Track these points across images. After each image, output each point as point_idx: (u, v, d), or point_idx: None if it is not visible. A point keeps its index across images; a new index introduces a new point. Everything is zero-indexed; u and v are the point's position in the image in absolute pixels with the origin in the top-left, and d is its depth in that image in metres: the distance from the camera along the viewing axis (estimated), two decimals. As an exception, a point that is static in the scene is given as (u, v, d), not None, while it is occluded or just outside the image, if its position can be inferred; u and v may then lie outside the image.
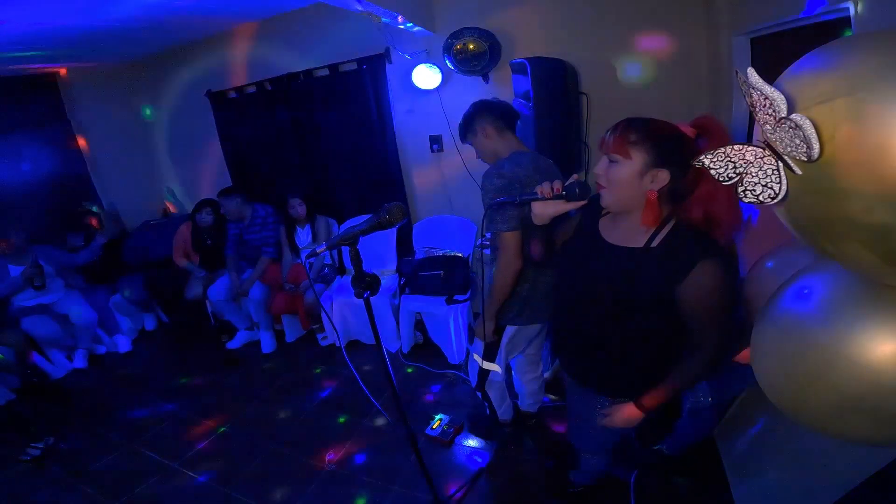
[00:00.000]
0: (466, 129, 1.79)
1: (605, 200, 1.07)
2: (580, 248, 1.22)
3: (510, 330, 1.83)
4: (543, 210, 1.17)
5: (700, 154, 0.64)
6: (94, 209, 3.94)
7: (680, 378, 1.14)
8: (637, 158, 0.99)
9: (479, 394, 2.08)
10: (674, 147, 0.99)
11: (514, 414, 2.25)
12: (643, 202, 1.03)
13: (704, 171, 0.64)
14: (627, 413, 1.21)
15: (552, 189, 1.11)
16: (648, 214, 1.03)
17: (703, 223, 1.01)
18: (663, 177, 1.00)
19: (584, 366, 1.32)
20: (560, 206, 1.14)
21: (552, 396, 2.45)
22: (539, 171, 1.65)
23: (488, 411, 2.19)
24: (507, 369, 2.30)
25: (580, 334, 1.26)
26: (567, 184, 1.12)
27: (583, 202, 1.11)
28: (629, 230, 1.10)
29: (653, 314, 1.09)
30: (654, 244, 1.06)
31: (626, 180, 1.01)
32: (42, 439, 2.50)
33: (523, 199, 1.16)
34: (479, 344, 1.88)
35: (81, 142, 4.18)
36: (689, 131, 1.01)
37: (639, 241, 1.08)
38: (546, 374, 2.46)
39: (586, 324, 1.22)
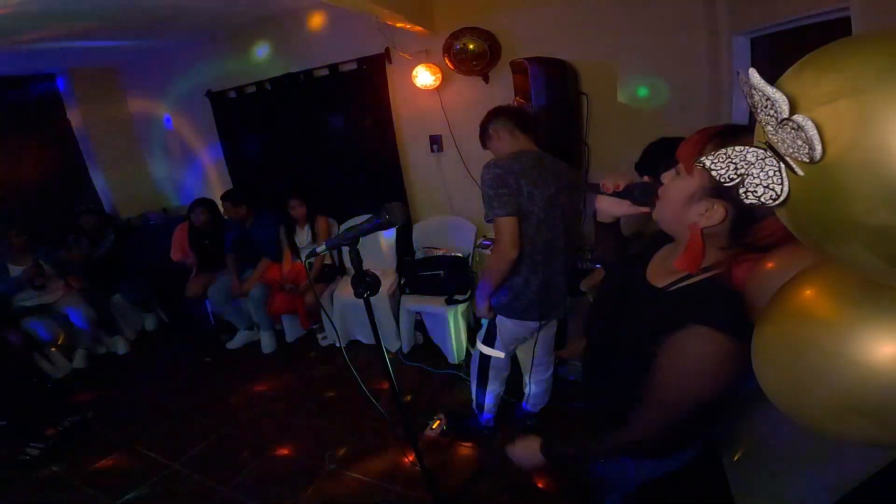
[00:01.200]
0: (483, 135, 1.85)
1: (655, 214, 0.88)
2: (618, 279, 1.06)
3: (501, 319, 1.86)
4: (607, 207, 1.03)
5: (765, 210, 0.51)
6: (93, 207, 3.95)
7: (598, 444, 1.00)
8: (698, 177, 0.75)
9: (473, 386, 2.12)
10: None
11: (495, 415, 2.26)
12: (685, 237, 0.81)
13: (779, 236, 0.57)
14: (531, 449, 1.07)
15: (613, 185, 0.96)
16: (686, 254, 0.79)
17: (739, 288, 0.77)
18: (717, 214, 0.75)
19: (594, 400, 1.14)
20: (625, 208, 0.98)
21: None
22: (541, 167, 1.68)
23: (475, 406, 2.23)
24: (516, 368, 2.32)
25: (592, 369, 1.11)
26: (633, 183, 0.95)
27: (646, 209, 0.92)
28: (668, 267, 0.90)
29: (639, 364, 0.87)
30: (672, 288, 0.85)
31: (676, 201, 0.80)
32: (43, 439, 2.49)
33: (587, 185, 1.11)
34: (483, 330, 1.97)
35: (81, 142, 4.18)
36: None
37: (662, 282, 0.89)
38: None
39: (597, 361, 1.07)
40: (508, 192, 1.61)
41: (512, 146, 1.76)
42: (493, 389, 2.12)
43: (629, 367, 0.91)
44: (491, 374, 2.06)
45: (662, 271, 0.92)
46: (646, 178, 1.01)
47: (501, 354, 1.95)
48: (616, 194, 0.96)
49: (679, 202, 0.79)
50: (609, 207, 1.02)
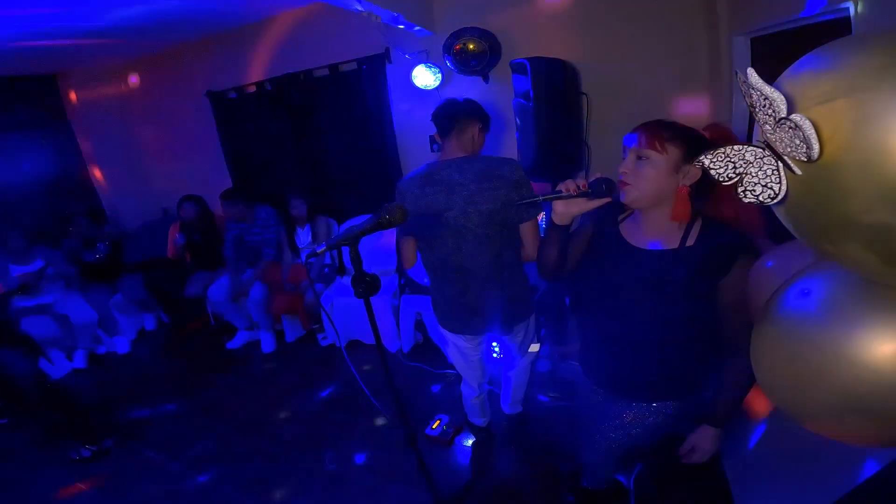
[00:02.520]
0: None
1: (630, 196, 1.06)
2: (606, 256, 1.19)
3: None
4: (567, 208, 1.12)
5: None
6: (94, 207, 3.95)
7: (738, 385, 1.13)
8: (672, 153, 1.01)
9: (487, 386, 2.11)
10: (704, 144, 1.01)
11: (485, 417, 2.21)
12: (671, 198, 1.04)
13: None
14: (711, 436, 1.20)
15: (577, 186, 1.08)
16: (680, 209, 1.03)
17: (733, 222, 1.03)
18: (695, 173, 1.01)
19: (617, 373, 1.29)
20: (583, 205, 1.10)
21: (552, 395, 2.46)
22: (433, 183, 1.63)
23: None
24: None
25: (613, 342, 1.24)
26: (591, 180, 1.08)
27: (607, 199, 1.08)
28: (657, 230, 1.10)
29: (690, 314, 1.09)
30: (690, 242, 1.06)
31: (659, 176, 1.02)
32: (97, 442, 2.45)
33: (546, 197, 1.11)
34: None
35: (81, 142, 4.18)
36: (707, 136, 1.04)
37: (672, 242, 1.08)
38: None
39: (620, 331, 1.20)
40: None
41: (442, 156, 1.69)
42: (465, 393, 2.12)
43: (681, 323, 1.10)
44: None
45: (651, 238, 1.11)
46: (598, 175, 1.09)
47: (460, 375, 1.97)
48: (581, 194, 1.07)
49: (662, 176, 1.02)
50: (568, 208, 1.12)
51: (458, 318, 1.74)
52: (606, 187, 1.07)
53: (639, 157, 1.04)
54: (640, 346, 1.18)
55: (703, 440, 1.21)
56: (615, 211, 1.20)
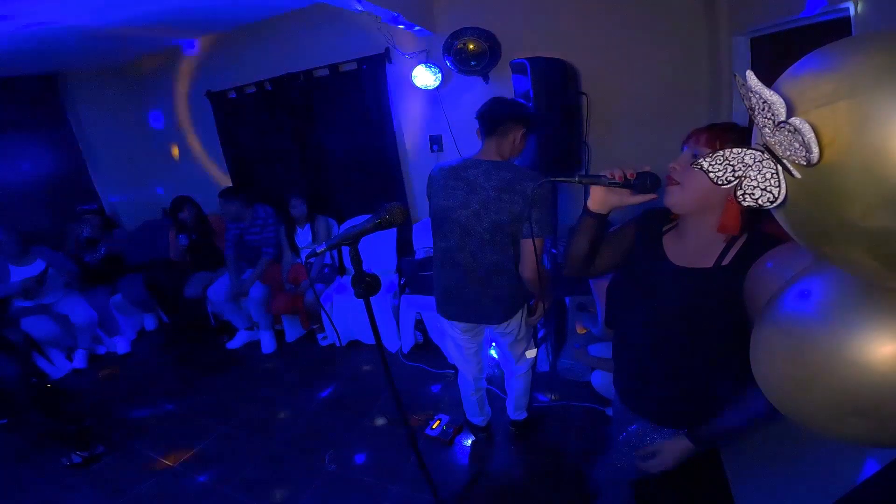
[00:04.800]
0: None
1: (673, 198, 0.97)
2: (643, 270, 1.09)
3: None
4: (606, 196, 1.02)
5: None
6: (95, 207, 3.94)
7: (743, 414, 1.01)
8: None
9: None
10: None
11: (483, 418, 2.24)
12: (719, 208, 0.93)
13: None
14: (681, 449, 1.08)
15: (624, 174, 0.98)
16: (729, 220, 0.91)
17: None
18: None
19: (648, 396, 1.19)
20: (625, 197, 1.01)
21: (553, 396, 2.46)
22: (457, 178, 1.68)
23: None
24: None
25: (645, 365, 1.14)
26: (640, 171, 0.98)
27: (652, 196, 0.99)
28: (698, 242, 0.99)
29: (727, 340, 0.98)
30: (726, 262, 0.94)
31: (708, 183, 0.93)
32: (88, 447, 2.43)
33: (586, 177, 1.00)
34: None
35: (81, 142, 4.17)
36: None
37: (708, 261, 0.97)
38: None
39: (654, 354, 1.10)
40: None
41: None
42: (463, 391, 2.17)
43: (726, 344, 0.98)
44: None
45: (692, 255, 0.99)
46: (647, 168, 0.99)
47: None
48: (624, 184, 0.97)
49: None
50: (608, 196, 1.03)
51: (451, 305, 1.85)
52: (651, 182, 0.97)
53: (694, 156, 0.93)
54: (672, 371, 1.09)
55: (671, 451, 1.10)
56: (662, 219, 1.10)
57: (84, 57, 3.67)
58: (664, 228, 1.09)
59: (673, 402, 1.13)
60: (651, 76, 2.57)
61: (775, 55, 2.05)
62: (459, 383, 2.16)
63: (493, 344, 2.30)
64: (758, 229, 0.93)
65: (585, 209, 1.07)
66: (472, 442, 2.25)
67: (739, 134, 0.91)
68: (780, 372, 0.78)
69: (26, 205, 3.83)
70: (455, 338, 1.96)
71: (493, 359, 2.57)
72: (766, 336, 0.82)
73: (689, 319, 0.99)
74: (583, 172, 1.25)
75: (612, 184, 0.98)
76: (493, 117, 1.65)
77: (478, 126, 1.69)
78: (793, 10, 1.68)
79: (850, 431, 0.70)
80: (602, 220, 1.07)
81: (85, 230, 3.61)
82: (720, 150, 0.85)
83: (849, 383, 0.63)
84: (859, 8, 1.32)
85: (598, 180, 0.99)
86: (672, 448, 1.10)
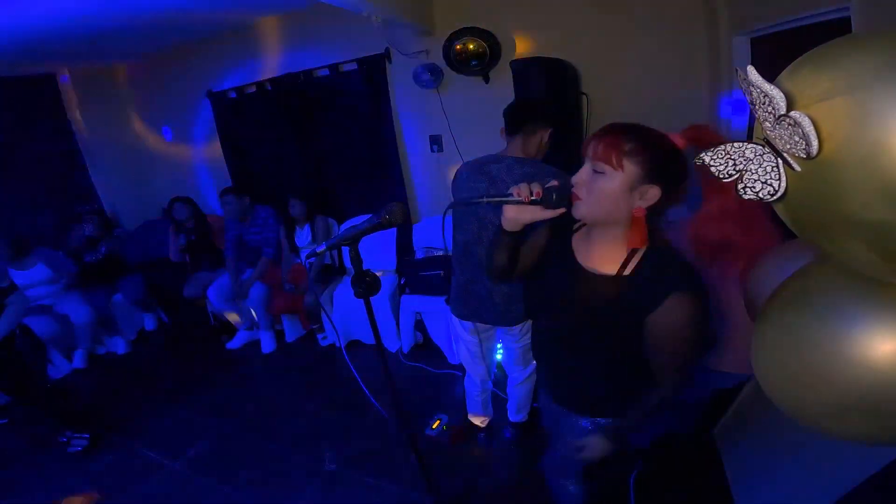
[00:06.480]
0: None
1: (580, 212, 0.96)
2: (553, 268, 1.12)
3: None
4: (518, 215, 1.02)
5: (687, 169, 0.59)
6: (95, 207, 3.94)
7: (640, 414, 1.11)
8: (629, 171, 0.88)
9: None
10: (668, 161, 0.89)
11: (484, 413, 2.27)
12: (627, 220, 0.94)
13: (713, 187, 0.59)
14: (601, 445, 1.15)
15: (530, 192, 0.96)
16: (636, 235, 0.93)
17: (718, 246, 0.88)
18: (654, 194, 0.89)
19: (565, 388, 1.26)
20: (537, 213, 1.00)
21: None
22: (480, 172, 1.68)
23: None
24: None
25: (560, 359, 1.20)
26: (545, 187, 0.97)
27: (560, 211, 0.98)
28: (605, 251, 1.00)
29: (626, 342, 1.02)
30: (627, 272, 0.97)
31: (613, 194, 0.90)
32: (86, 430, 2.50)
33: (493, 198, 1.00)
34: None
35: (81, 142, 4.18)
36: (679, 143, 0.90)
37: (611, 268, 0.99)
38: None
39: (566, 350, 1.15)
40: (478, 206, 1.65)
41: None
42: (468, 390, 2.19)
43: (608, 348, 1.05)
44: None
45: (597, 259, 1.02)
46: (554, 183, 0.99)
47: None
48: (532, 202, 0.97)
49: (616, 194, 0.90)
50: (519, 215, 1.02)
51: (466, 304, 1.85)
52: (557, 198, 0.96)
53: (595, 170, 0.92)
54: (582, 366, 1.14)
55: (594, 447, 1.16)
56: (573, 219, 1.09)
57: (84, 57, 3.68)
58: (574, 227, 1.11)
59: (584, 393, 1.20)
60: (651, 76, 2.58)
61: (775, 55, 2.05)
62: (466, 383, 2.18)
63: (499, 345, 2.31)
64: (656, 240, 0.97)
65: (500, 228, 1.08)
66: (473, 442, 2.25)
67: (634, 140, 0.89)
68: (780, 371, 0.78)
69: (26, 205, 3.83)
70: (466, 340, 1.97)
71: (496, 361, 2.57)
72: (766, 335, 0.82)
73: (592, 319, 1.02)
74: (491, 193, 1.30)
75: (517, 202, 0.97)
76: (520, 118, 1.67)
77: (503, 124, 1.71)
78: (793, 10, 1.68)
79: (851, 429, 0.70)
80: (516, 237, 1.08)
81: (85, 230, 3.61)
82: (615, 160, 0.88)
83: (849, 381, 0.63)
84: (859, 8, 1.32)
85: (504, 199, 0.99)
86: (593, 444, 1.17)
